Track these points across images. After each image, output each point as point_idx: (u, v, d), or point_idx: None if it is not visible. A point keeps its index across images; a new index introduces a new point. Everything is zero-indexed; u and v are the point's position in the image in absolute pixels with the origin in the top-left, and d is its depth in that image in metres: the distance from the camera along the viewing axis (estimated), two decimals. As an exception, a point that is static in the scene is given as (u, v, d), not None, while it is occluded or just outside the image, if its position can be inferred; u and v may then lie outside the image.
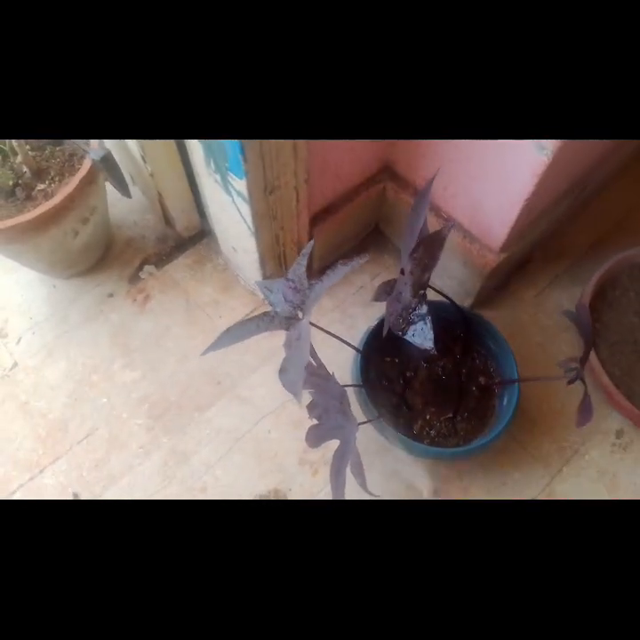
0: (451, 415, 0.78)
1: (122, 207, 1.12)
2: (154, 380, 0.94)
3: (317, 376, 0.70)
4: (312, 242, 0.67)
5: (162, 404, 0.92)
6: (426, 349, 0.63)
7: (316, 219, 0.91)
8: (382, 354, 0.84)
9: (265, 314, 0.66)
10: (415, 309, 0.67)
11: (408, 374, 0.82)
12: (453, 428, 0.78)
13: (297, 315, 0.66)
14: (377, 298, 0.76)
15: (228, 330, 0.65)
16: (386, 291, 0.74)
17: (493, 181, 0.78)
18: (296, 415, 0.91)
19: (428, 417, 0.79)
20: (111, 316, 1.00)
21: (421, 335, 0.62)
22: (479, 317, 0.83)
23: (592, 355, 0.88)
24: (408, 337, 0.62)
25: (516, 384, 0.75)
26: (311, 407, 0.71)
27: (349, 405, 0.67)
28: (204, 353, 0.64)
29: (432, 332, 0.60)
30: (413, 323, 0.63)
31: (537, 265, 1.05)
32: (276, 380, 0.56)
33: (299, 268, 0.66)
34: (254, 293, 1.01)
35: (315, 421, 0.70)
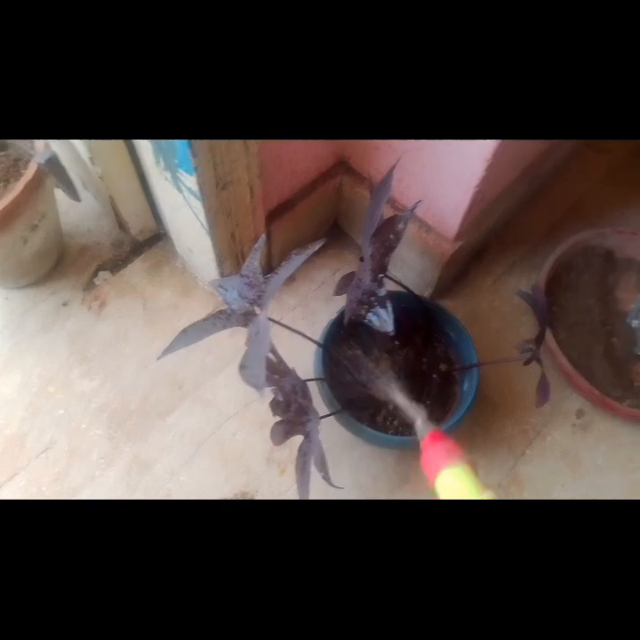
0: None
1: (75, 214, 1.09)
2: (113, 387, 0.91)
3: (278, 372, 0.69)
4: (264, 236, 0.67)
5: (122, 412, 0.89)
6: (387, 334, 0.63)
7: (273, 215, 0.90)
8: (345, 346, 0.83)
9: (221, 312, 0.65)
10: (375, 294, 0.67)
11: (371, 365, 0.82)
12: (417, 416, 0.79)
13: (254, 310, 0.65)
14: (338, 291, 0.76)
15: (183, 331, 0.64)
16: (346, 283, 0.74)
17: (445, 170, 0.78)
18: (261, 415, 0.90)
19: (391, 407, 0.79)
20: (67, 324, 0.97)
21: (381, 318, 0.62)
22: (438, 306, 0.84)
23: (550, 337, 0.90)
24: (368, 321, 0.63)
25: (476, 369, 0.75)
26: (274, 404, 0.70)
27: (311, 400, 0.67)
28: (161, 356, 0.63)
29: (392, 315, 0.60)
30: (373, 307, 0.63)
31: (493, 253, 1.06)
32: (240, 381, 0.55)
33: (252, 263, 0.65)
34: (214, 294, 0.99)
35: (278, 418, 0.70)
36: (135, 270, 1.03)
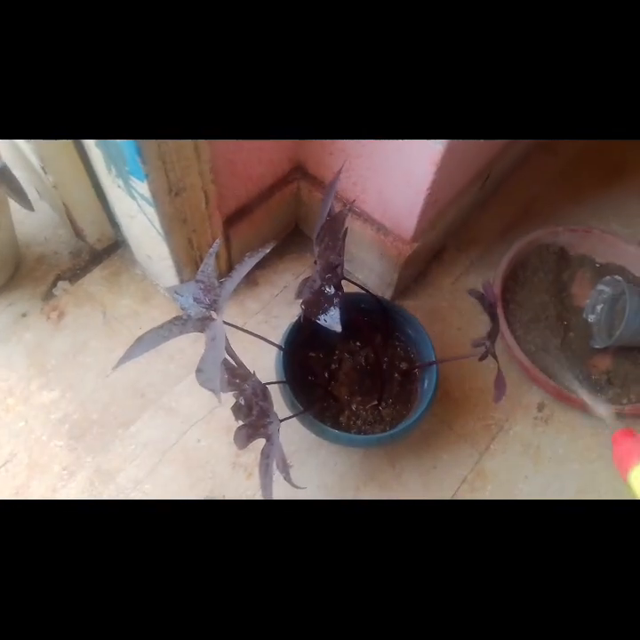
0: (376, 402, 0.80)
1: (31, 223, 1.07)
2: (73, 398, 0.90)
3: (239, 376, 0.69)
4: (218, 241, 0.67)
5: (83, 423, 0.88)
6: (341, 334, 0.64)
7: (231, 220, 0.91)
8: (306, 349, 0.84)
9: (177, 318, 0.65)
10: (325, 293, 0.68)
11: (332, 367, 0.83)
12: (379, 414, 0.80)
13: (210, 315, 0.65)
14: (298, 295, 0.77)
15: (139, 339, 0.63)
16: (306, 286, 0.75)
17: (397, 174, 0.80)
18: (226, 421, 0.89)
19: (354, 407, 0.80)
20: (25, 335, 0.95)
21: (331, 318, 0.63)
22: (396, 306, 0.85)
23: (508, 333, 0.92)
24: (320, 321, 0.63)
25: (435, 366, 0.76)
26: (235, 408, 0.70)
27: (271, 403, 0.67)
28: (117, 365, 0.62)
29: (338, 313, 0.61)
30: (324, 306, 0.64)
31: (451, 253, 1.09)
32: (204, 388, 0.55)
33: (207, 267, 0.65)
34: (172, 296, 0.99)
35: (241, 422, 0.70)
36: (94, 279, 1.01)
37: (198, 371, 0.61)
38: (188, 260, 0.88)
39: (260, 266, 1.04)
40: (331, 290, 0.68)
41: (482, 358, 0.69)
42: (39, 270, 1.03)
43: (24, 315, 0.98)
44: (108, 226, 0.99)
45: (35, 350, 0.94)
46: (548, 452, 0.89)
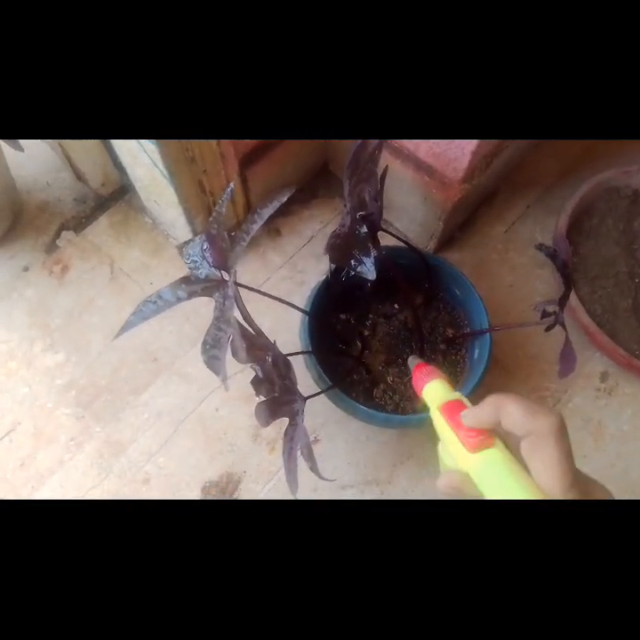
0: (415, 375, 0.69)
1: (32, 166, 0.96)
2: (80, 362, 0.82)
3: (258, 346, 0.59)
4: (231, 186, 0.55)
5: (91, 390, 0.80)
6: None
7: (248, 159, 0.78)
8: (335, 312, 0.73)
9: (183, 279, 0.54)
10: (357, 235, 0.57)
11: (365, 333, 0.72)
12: (420, 389, 0.69)
13: (221, 276, 0.54)
14: (327, 250, 0.65)
15: (139, 307, 0.54)
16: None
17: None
18: (247, 389, 0.78)
19: (390, 379, 0.69)
20: (26, 292, 0.87)
21: (364, 264, 0.53)
22: (442, 261, 0.73)
23: (571, 293, 0.79)
24: (352, 269, 0.53)
25: (488, 334, 0.65)
26: (255, 383, 0.61)
27: (295, 379, 0.57)
28: (119, 333, 0.53)
29: (373, 257, 0.50)
30: (355, 251, 0.53)
31: (504, 197, 0.94)
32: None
33: (217, 219, 0.54)
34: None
35: (262, 398, 0.60)
36: (100, 228, 0.91)
37: (203, 344, 0.51)
38: (200, 207, 0.77)
39: (282, 213, 0.92)
40: (363, 230, 0.57)
41: (549, 328, 0.57)
42: (41, 219, 0.93)
43: (26, 268, 0.89)
44: (112, 168, 0.88)
45: (37, 308, 0.86)
46: (610, 428, 0.78)
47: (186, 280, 0.55)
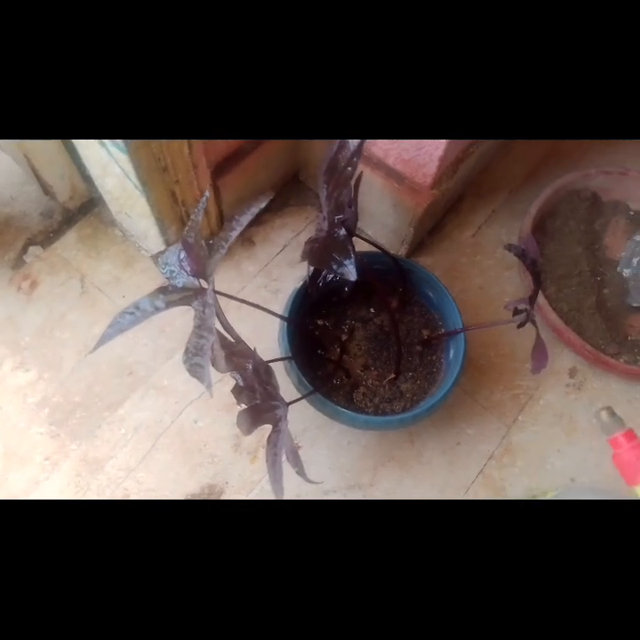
0: (393, 376, 0.70)
1: (-5, 181, 0.94)
2: (52, 379, 0.80)
3: (238, 354, 0.59)
4: (207, 194, 0.55)
5: (65, 407, 0.78)
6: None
7: (220, 169, 0.78)
8: (312, 318, 0.74)
9: (161, 289, 0.54)
10: (335, 238, 0.58)
11: (343, 338, 0.73)
12: (398, 390, 0.70)
13: (200, 285, 0.54)
14: (305, 256, 0.66)
15: (116, 318, 0.53)
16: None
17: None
18: (226, 398, 0.80)
19: (369, 382, 0.70)
20: (-7, 310, 0.85)
21: (345, 266, 0.53)
22: (415, 265, 0.74)
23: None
24: (332, 272, 0.54)
25: (462, 334, 0.66)
26: (237, 391, 0.60)
27: (277, 384, 0.57)
28: (95, 348, 0.52)
29: (353, 259, 0.51)
30: (334, 254, 0.54)
31: (470, 202, 0.97)
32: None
33: (193, 227, 0.53)
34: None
35: (243, 406, 0.60)
36: (69, 243, 0.89)
37: (186, 352, 0.51)
38: (172, 218, 0.76)
39: (255, 222, 0.93)
40: (342, 233, 0.58)
41: (521, 325, 0.59)
42: (7, 234, 0.91)
43: (-8, 285, 0.87)
44: (80, 181, 0.86)
45: (5, 325, 0.83)
46: (581, 423, 0.81)
47: (163, 290, 0.54)
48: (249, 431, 0.60)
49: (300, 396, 0.64)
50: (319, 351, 0.71)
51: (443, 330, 0.72)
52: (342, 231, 0.58)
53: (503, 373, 0.83)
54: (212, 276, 0.53)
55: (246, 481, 0.76)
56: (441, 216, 0.93)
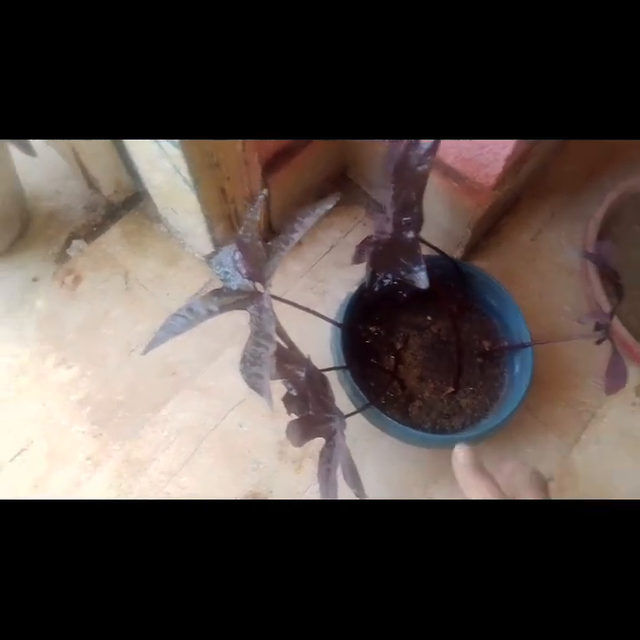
0: (452, 390, 0.66)
1: (40, 174, 0.93)
2: (95, 377, 0.78)
3: (291, 361, 0.56)
4: (265, 191, 0.52)
5: (108, 406, 0.77)
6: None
7: (271, 166, 0.75)
8: (365, 324, 0.70)
9: (215, 292, 0.51)
10: (400, 245, 0.54)
11: (397, 346, 0.69)
12: (457, 405, 0.66)
13: (255, 288, 0.51)
14: (358, 259, 0.63)
15: (168, 321, 0.50)
16: (366, 247, 0.61)
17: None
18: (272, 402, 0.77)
19: (425, 395, 0.66)
20: (37, 303, 0.84)
21: (414, 272, 0.50)
22: (475, 269, 0.70)
23: (605, 303, 0.77)
24: (399, 277, 0.50)
25: (530, 348, 0.62)
26: (287, 400, 0.57)
27: (332, 395, 0.54)
28: (144, 352, 0.49)
29: (424, 264, 0.47)
30: (401, 258, 0.51)
31: (528, 203, 0.92)
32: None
33: (249, 226, 0.50)
34: (206, 263, 0.85)
35: (294, 416, 0.57)
36: (113, 238, 0.88)
37: (243, 361, 0.48)
38: (220, 215, 0.74)
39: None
40: (409, 235, 0.54)
41: (599, 342, 0.55)
42: (51, 228, 0.90)
43: (35, 279, 0.86)
44: (125, 174, 0.84)
45: (48, 321, 0.82)
46: (647, 442, 0.76)
47: (218, 292, 0.52)
48: (300, 443, 0.56)
49: (352, 406, 0.61)
50: (372, 360, 0.67)
51: (505, 341, 0.68)
52: (410, 234, 0.54)
53: (565, 389, 0.78)
54: (269, 279, 0.50)
55: (291, 491, 0.73)
56: (498, 217, 0.88)
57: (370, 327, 0.69)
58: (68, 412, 0.77)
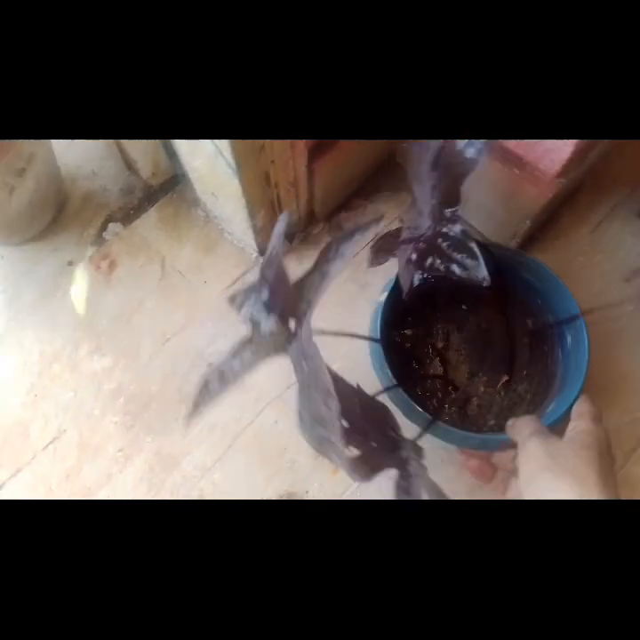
0: (507, 378, 0.61)
1: (76, 153, 0.91)
2: (129, 367, 0.76)
3: (337, 393, 0.49)
4: (286, 213, 0.45)
5: (141, 397, 0.74)
6: (481, 283, 0.46)
7: (316, 150, 0.71)
8: (400, 330, 0.65)
9: (244, 343, 0.43)
10: (446, 236, 0.49)
11: (439, 345, 0.64)
12: (516, 393, 0.60)
13: (289, 327, 0.43)
14: (374, 261, 0.58)
15: (202, 387, 0.43)
16: (390, 244, 0.56)
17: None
18: (307, 399, 0.74)
19: (480, 391, 0.61)
20: (72, 288, 0.81)
21: (466, 266, 0.45)
22: (509, 251, 0.64)
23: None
24: (453, 276, 0.45)
25: (580, 319, 0.56)
26: (346, 436, 0.50)
27: (397, 425, 0.49)
28: (190, 415, 0.44)
29: (481, 259, 0.42)
30: (446, 254, 0.46)
31: (588, 195, 0.85)
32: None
33: (272, 260, 0.42)
34: (245, 251, 0.81)
35: (353, 451, 0.51)
36: (150, 222, 0.85)
37: (301, 422, 0.42)
38: (263, 201, 0.70)
39: (345, 207, 0.85)
40: (457, 228, 0.49)
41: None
42: (88, 209, 0.88)
43: (70, 263, 0.84)
44: (164, 156, 0.81)
45: (83, 307, 0.80)
46: None
47: (247, 343, 0.43)
48: (366, 480, 0.50)
49: (410, 423, 0.55)
50: (414, 365, 0.63)
51: (551, 316, 0.62)
52: (457, 227, 0.49)
53: (621, 395, 0.72)
54: (307, 316, 0.41)
55: (328, 493, 0.69)
56: (557, 208, 0.82)
57: (405, 331, 0.64)
58: (100, 401, 0.75)
